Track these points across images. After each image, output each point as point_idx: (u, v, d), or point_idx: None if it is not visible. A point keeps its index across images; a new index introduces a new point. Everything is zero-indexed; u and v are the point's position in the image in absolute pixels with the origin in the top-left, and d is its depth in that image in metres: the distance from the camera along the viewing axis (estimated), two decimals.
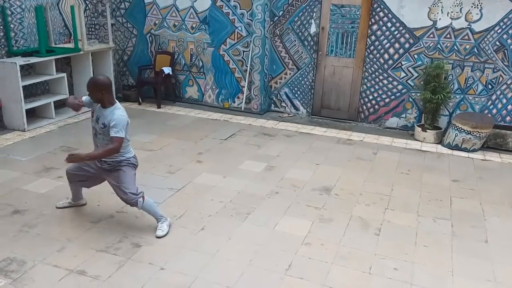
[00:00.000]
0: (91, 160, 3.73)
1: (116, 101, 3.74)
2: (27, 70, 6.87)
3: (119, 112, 3.62)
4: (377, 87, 7.11)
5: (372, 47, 6.95)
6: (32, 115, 6.80)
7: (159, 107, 7.91)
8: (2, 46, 6.63)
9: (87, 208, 4.25)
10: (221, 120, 7.37)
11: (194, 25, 7.95)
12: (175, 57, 8.25)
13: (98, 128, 3.68)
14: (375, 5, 6.75)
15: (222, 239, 3.84)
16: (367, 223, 4.17)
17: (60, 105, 7.08)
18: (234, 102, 8.11)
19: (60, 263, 3.42)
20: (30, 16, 6.99)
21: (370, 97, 7.20)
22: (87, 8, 8.09)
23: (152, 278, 3.29)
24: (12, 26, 6.73)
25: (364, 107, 7.29)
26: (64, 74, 7.06)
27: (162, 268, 3.41)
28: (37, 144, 5.99)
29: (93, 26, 8.32)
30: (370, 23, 6.85)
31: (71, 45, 7.34)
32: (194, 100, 8.37)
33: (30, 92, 6.92)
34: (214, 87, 8.19)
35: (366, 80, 7.15)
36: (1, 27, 6.58)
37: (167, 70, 7.93)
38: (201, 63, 8.15)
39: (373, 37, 6.90)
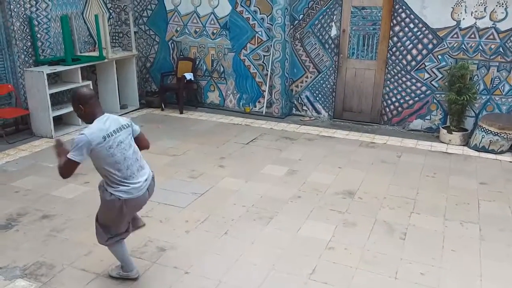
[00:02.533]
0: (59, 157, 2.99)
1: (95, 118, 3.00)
2: (53, 79, 7.07)
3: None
4: (400, 89, 7.01)
5: (394, 49, 6.87)
6: (59, 122, 6.98)
7: (181, 112, 8.00)
8: (30, 56, 6.85)
9: None
10: (242, 124, 7.40)
11: (215, 31, 8.03)
12: (197, 63, 8.34)
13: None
14: (396, 6, 6.68)
15: (245, 243, 3.84)
16: (392, 227, 4.11)
17: None
18: (255, 107, 8.13)
19: (87, 267, 3.49)
20: (56, 26, 7.20)
21: (393, 99, 7.11)
22: (110, 16, 8.28)
23: (177, 282, 3.33)
24: (39, 35, 6.95)
25: (387, 109, 7.21)
26: (90, 82, 7.22)
27: (186, 272, 3.44)
28: None
29: (116, 34, 8.50)
30: (392, 24, 6.78)
31: (96, 54, 7.52)
32: (216, 105, 8.44)
33: (57, 100, 7.12)
34: (235, 92, 8.24)
35: (388, 82, 7.06)
36: (29, 37, 6.80)
37: (188, 76, 8.02)
38: (222, 69, 8.21)
39: (395, 39, 6.82)
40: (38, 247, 3.76)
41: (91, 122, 2.96)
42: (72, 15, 7.44)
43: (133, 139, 3.12)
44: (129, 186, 2.99)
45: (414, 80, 6.88)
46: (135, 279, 3.33)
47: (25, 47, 6.76)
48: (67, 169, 2.92)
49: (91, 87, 7.19)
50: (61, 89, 6.89)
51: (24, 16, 6.69)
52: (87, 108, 2.96)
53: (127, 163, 2.99)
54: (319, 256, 3.65)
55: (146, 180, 3.11)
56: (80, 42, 7.67)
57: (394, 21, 6.76)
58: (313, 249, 3.75)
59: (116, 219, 3.10)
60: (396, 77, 6.99)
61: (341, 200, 4.65)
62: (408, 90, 6.96)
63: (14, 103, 6.77)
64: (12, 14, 6.51)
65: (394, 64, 6.95)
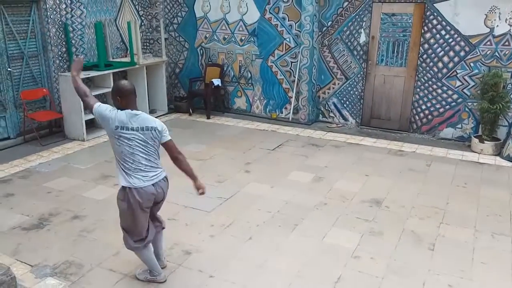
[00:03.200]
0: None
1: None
2: (86, 83, 7.23)
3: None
4: (430, 96, 6.88)
5: (425, 56, 6.76)
6: (91, 125, 7.17)
7: (208, 117, 8.09)
8: (64, 61, 7.08)
9: None
10: (268, 130, 7.41)
11: (243, 38, 8.10)
12: (224, 69, 8.43)
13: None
14: (428, 13, 6.58)
15: (270, 249, 3.84)
16: (420, 238, 4.02)
17: None
18: (282, 113, 8.14)
19: (115, 267, 3.57)
20: (90, 32, 7.42)
21: (423, 106, 6.98)
22: (142, 23, 8.47)
23: (202, 285, 3.36)
24: (73, 41, 7.18)
25: (417, 117, 7.08)
26: None
27: (211, 276, 3.46)
28: (95, 153, 6.30)
29: (147, 40, 8.69)
30: (422, 31, 6.67)
31: (127, 59, 7.71)
32: (243, 111, 8.49)
33: None
34: (262, 98, 8.27)
35: (418, 90, 6.94)
36: (64, 42, 7.04)
37: (216, 81, 8.11)
38: (249, 75, 8.26)
39: (426, 46, 6.71)
40: (68, 247, 3.87)
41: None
42: (106, 22, 7.66)
43: (157, 143, 3.15)
44: (131, 177, 3.09)
45: (445, 88, 6.74)
46: (162, 283, 3.38)
47: (60, 53, 7.00)
48: (80, 95, 3.35)
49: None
50: (93, 93, 6.93)
51: (60, 22, 6.94)
52: (123, 101, 3.11)
53: (134, 158, 3.08)
54: (344, 264, 3.61)
55: (152, 176, 3.14)
56: (112, 48, 7.88)
57: (425, 28, 6.65)
58: (338, 257, 3.71)
59: (129, 215, 3.18)
60: (426, 84, 6.87)
61: (367, 209, 4.58)
62: (439, 98, 6.82)
63: (49, 106, 7.01)
64: (49, 20, 6.76)
65: (424, 71, 6.83)
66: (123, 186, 3.13)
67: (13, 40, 6.47)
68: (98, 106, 3.17)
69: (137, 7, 8.31)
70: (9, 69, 6.44)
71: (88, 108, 3.28)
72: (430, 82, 6.83)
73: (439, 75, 6.73)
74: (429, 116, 6.98)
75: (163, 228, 3.54)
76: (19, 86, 6.63)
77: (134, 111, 3.10)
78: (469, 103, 6.63)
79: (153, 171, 3.16)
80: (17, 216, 4.41)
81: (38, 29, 6.78)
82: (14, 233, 4.10)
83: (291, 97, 7.92)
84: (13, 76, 6.55)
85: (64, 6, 6.95)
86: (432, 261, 3.66)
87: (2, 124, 6.54)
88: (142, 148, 3.09)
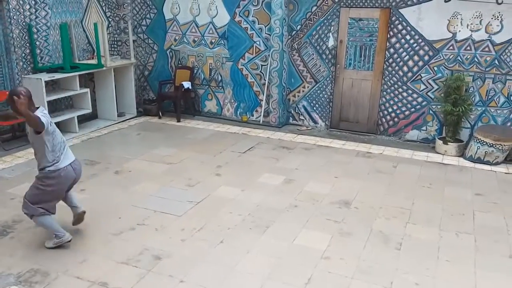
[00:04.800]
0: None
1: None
2: (51, 86, 7.08)
3: None
4: (396, 99, 7.07)
5: (390, 60, 6.94)
6: None
7: (178, 121, 8.02)
8: (28, 63, 6.87)
9: (109, 221, 4.32)
10: (239, 133, 7.42)
11: (213, 40, 8.09)
12: (195, 72, 8.39)
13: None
14: (393, 18, 6.76)
15: (241, 252, 3.84)
16: (388, 238, 4.12)
17: (83, 119, 7.29)
18: (253, 116, 8.17)
19: (82, 274, 3.48)
20: (55, 34, 7.23)
21: (390, 109, 7.16)
22: (109, 25, 8.32)
23: None
24: (37, 43, 6.97)
25: (384, 120, 7.25)
26: (88, 90, 7.25)
27: (181, 281, 3.43)
28: None
29: (115, 42, 8.54)
30: (388, 36, 6.85)
31: (94, 61, 7.55)
32: (213, 114, 8.47)
33: (54, 107, 7.12)
34: (232, 100, 8.27)
35: (385, 93, 7.12)
36: (27, 44, 6.82)
37: (186, 84, 8.06)
38: (220, 77, 8.25)
39: (391, 50, 6.89)
40: (33, 255, 3.75)
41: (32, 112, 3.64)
42: (71, 23, 7.48)
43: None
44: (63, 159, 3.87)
45: (410, 91, 6.94)
46: (70, 241, 3.81)
47: (23, 54, 6.79)
48: (36, 124, 3.70)
49: (89, 95, 7.23)
50: (59, 96, 6.90)
51: (24, 23, 6.73)
52: (32, 102, 3.69)
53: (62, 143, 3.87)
54: (314, 265, 3.65)
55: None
56: (79, 50, 7.70)
57: (391, 33, 6.83)
58: (308, 258, 3.75)
59: (54, 191, 3.82)
60: (392, 88, 7.05)
61: (337, 210, 4.66)
62: (404, 101, 7.02)
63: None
64: (12, 21, 6.54)
65: (390, 75, 7.01)
66: (52, 170, 3.77)
67: None
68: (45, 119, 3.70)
69: (104, 8, 8.16)
70: None
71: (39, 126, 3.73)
72: (396, 86, 7.02)
73: (405, 78, 6.92)
74: (395, 119, 7.17)
75: None
76: None
77: (41, 107, 3.79)
78: (433, 106, 6.85)
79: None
80: None
81: (0, 30, 6.54)
82: None
83: (262, 100, 7.96)
84: None
85: (28, 6, 6.74)
86: (399, 260, 3.75)
87: None
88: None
